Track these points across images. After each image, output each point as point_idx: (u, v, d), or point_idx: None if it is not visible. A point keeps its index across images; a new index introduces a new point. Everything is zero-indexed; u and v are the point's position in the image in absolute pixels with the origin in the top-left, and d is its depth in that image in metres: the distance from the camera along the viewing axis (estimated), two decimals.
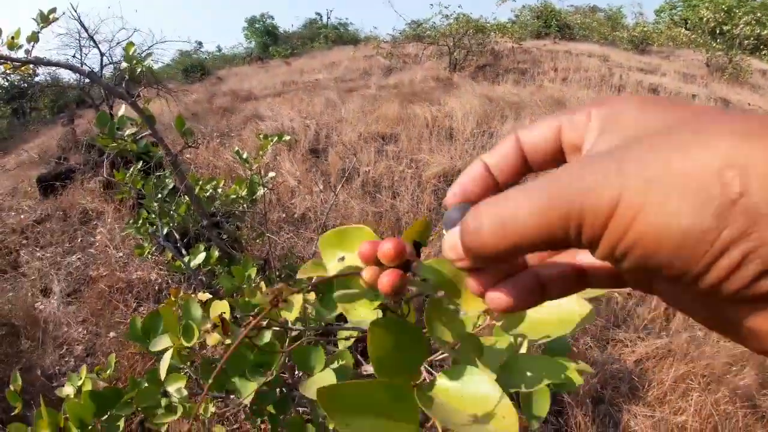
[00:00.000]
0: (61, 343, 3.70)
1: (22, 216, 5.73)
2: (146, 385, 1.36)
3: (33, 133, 10.27)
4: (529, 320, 0.62)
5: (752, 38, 17.22)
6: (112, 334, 3.49)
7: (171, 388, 1.31)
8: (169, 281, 4.03)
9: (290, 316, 0.92)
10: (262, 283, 1.59)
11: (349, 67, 13.05)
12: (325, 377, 1.02)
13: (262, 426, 2.61)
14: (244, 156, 2.81)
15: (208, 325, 0.66)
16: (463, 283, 0.51)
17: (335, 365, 1.07)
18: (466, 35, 12.03)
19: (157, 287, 3.99)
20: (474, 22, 12.21)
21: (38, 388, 3.26)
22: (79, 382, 1.47)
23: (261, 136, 2.72)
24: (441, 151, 6.36)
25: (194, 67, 17.35)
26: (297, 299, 0.88)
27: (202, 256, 2.42)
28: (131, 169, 3.01)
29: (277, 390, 1.55)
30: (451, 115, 7.47)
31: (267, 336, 1.13)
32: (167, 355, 1.16)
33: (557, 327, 0.60)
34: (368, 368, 1.29)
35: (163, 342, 1.20)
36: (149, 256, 2.77)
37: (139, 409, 1.33)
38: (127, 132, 2.32)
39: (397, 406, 0.47)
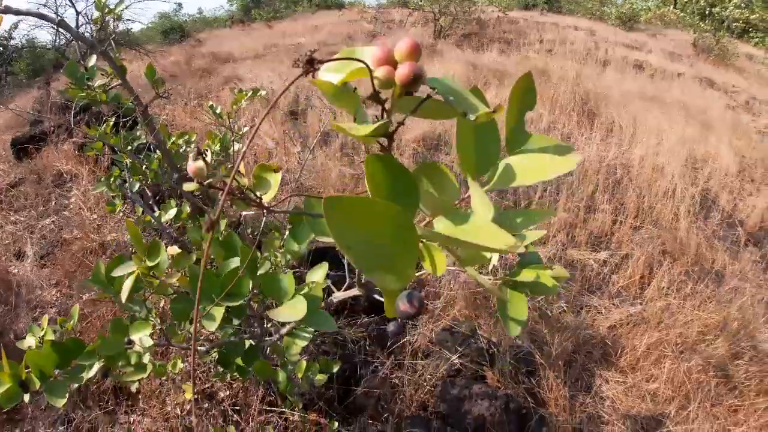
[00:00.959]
0: (35, 306, 3.65)
1: None
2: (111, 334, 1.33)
3: (8, 99, 10.01)
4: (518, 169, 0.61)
5: (741, 21, 17.29)
6: (86, 295, 3.44)
7: (135, 337, 1.28)
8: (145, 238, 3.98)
9: (267, 196, 0.88)
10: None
11: (332, 31, 12.88)
12: (296, 304, 1.00)
13: (233, 384, 2.62)
14: (218, 110, 2.76)
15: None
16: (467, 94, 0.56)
17: (305, 291, 1.04)
18: (452, 2, 11.87)
19: (131, 248, 3.94)
20: None
21: (11, 352, 3.22)
22: (41, 333, 1.44)
23: (236, 90, 2.68)
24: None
25: (174, 30, 17.06)
26: (275, 178, 0.85)
27: (173, 211, 2.39)
28: (103, 125, 2.96)
29: (246, 342, 1.54)
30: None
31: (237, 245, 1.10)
32: (131, 279, 1.14)
33: (540, 173, 0.61)
34: (339, 295, 1.27)
35: (127, 267, 1.17)
36: (121, 214, 2.72)
37: (102, 360, 1.31)
38: (98, 82, 2.26)
39: (398, 231, 0.47)
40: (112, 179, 2.83)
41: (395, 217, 0.46)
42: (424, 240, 0.50)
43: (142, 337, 1.29)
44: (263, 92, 2.82)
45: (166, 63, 9.68)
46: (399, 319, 0.47)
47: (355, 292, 0.97)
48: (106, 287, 1.32)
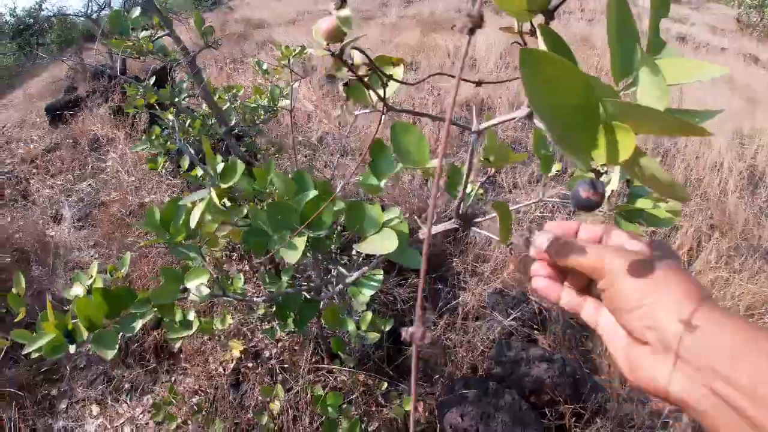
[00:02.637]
0: (73, 267, 3.65)
1: (31, 146, 5.64)
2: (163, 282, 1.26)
3: (41, 68, 10.06)
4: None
5: None
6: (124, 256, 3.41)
7: (192, 285, 1.21)
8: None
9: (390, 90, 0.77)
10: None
11: None
12: (386, 237, 0.92)
13: (279, 342, 2.57)
14: (264, 67, 2.70)
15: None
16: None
17: (393, 224, 0.96)
18: None
19: None
20: None
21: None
22: (89, 281, 1.37)
23: (282, 47, 2.60)
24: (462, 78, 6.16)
25: None
26: (395, 73, 0.77)
27: (220, 166, 2.33)
28: (145, 82, 2.91)
29: (303, 295, 1.47)
30: (474, 45, 7.27)
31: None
32: (203, 203, 1.06)
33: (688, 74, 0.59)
34: (425, 231, 1.18)
35: (199, 194, 1.10)
36: (163, 171, 2.67)
37: (155, 309, 1.24)
38: (143, 33, 2.20)
39: (587, 102, 0.42)
40: (153, 137, 2.79)
41: (587, 86, 0.41)
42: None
43: (198, 285, 1.22)
44: (309, 50, 2.75)
45: (195, 37, 9.60)
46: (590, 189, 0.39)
47: (451, 224, 0.89)
48: (159, 230, 1.25)
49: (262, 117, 2.72)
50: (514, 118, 0.64)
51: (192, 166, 2.50)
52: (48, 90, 7.84)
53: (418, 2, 11.68)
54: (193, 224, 1.09)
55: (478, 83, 0.78)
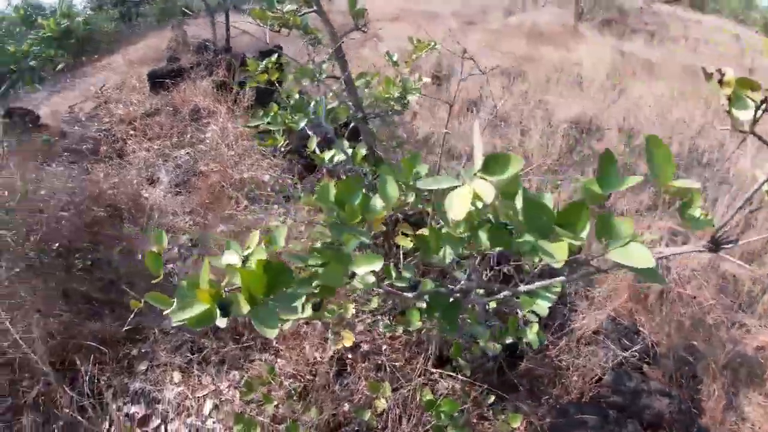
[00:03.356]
0: (166, 230, 3.66)
1: (130, 108, 5.75)
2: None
3: (138, 38, 10.32)
4: None
5: None
6: (221, 227, 3.42)
7: (361, 270, 1.13)
8: (283, 182, 3.93)
9: None
10: None
11: (465, 2, 12.52)
12: (635, 251, 0.82)
13: (394, 340, 2.49)
14: (394, 58, 2.65)
15: None
16: None
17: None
18: None
19: (269, 189, 3.89)
20: None
21: (139, 273, 3.24)
22: (247, 251, 1.27)
23: (414, 40, 2.56)
24: (571, 96, 6.05)
25: None
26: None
27: (348, 151, 2.29)
28: (265, 61, 2.89)
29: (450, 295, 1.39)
30: (580, 62, 7.07)
31: None
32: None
33: None
34: (670, 250, 1.07)
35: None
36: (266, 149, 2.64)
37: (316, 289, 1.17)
38: (287, 7, 2.16)
39: None
40: (272, 113, 2.77)
41: None
42: None
43: (367, 273, 1.14)
44: (438, 46, 2.70)
45: None
46: None
47: (695, 248, 0.79)
48: (331, 206, 1.18)
49: (394, 107, 2.66)
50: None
51: (321, 148, 2.45)
52: (149, 58, 8.00)
53: (519, 12, 11.49)
54: (380, 211, 1.02)
55: None
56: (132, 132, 5.25)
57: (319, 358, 2.39)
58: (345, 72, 2.30)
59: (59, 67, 8.47)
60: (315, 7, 2.15)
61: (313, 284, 1.11)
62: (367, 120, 2.53)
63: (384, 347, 2.43)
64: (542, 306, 1.17)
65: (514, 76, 6.75)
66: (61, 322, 2.73)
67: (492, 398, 2.18)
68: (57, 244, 3.30)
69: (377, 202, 1.19)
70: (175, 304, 1.06)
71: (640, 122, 5.79)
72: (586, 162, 4.84)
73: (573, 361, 2.63)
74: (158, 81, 6.07)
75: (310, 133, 2.42)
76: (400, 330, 2.02)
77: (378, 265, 1.12)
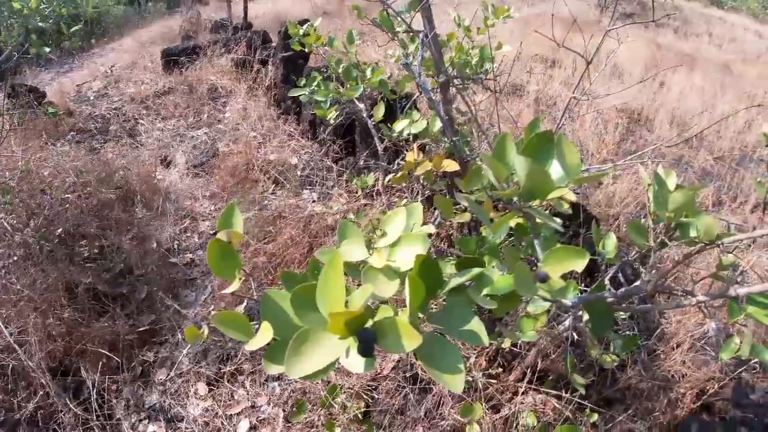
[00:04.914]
0: (183, 216, 3.25)
1: (142, 87, 5.35)
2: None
3: (147, 21, 9.94)
4: None
5: None
6: (247, 215, 2.99)
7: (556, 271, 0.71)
8: (314, 166, 3.51)
9: None
10: None
11: None
12: None
13: (483, 351, 2.06)
14: (466, 23, 2.32)
15: None
16: None
17: None
18: None
19: (299, 173, 3.46)
20: None
21: (154, 260, 2.83)
22: (384, 241, 0.83)
23: (489, 5, 2.25)
24: (612, 86, 5.80)
25: None
26: None
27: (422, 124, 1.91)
28: (306, 26, 2.59)
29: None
30: (615, 53, 6.70)
31: None
32: None
33: None
34: None
35: None
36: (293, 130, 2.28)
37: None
38: None
39: None
40: (315, 82, 2.44)
41: None
42: None
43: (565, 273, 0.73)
44: (516, 14, 2.41)
45: (320, 1, 9.31)
46: None
47: None
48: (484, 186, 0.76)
49: (479, 73, 2.29)
50: None
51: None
52: (161, 38, 7.64)
53: (538, 2, 11.10)
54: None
55: None
56: (144, 111, 4.84)
57: (385, 372, 1.95)
58: (431, 24, 1.87)
59: (71, 42, 8.09)
60: None
61: (486, 294, 0.68)
62: (450, 86, 2.11)
63: (472, 358, 1.98)
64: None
65: (551, 64, 6.38)
66: (62, 321, 2.30)
67: (595, 416, 1.83)
68: (60, 230, 2.90)
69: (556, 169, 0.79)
70: (264, 335, 0.64)
71: (689, 114, 5.44)
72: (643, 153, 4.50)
73: (678, 371, 2.21)
74: (172, 60, 5.66)
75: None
76: (507, 343, 1.60)
77: (582, 264, 0.70)
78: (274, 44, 5.17)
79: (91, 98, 5.32)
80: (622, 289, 1.13)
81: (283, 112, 4.20)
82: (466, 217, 1.80)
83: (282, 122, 4.09)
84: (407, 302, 0.61)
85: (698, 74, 6.91)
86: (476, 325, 0.64)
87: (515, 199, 0.81)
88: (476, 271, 0.73)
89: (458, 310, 0.66)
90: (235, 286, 0.76)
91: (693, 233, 1.00)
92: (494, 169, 0.74)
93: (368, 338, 0.58)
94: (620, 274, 1.86)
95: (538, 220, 0.87)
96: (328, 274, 0.59)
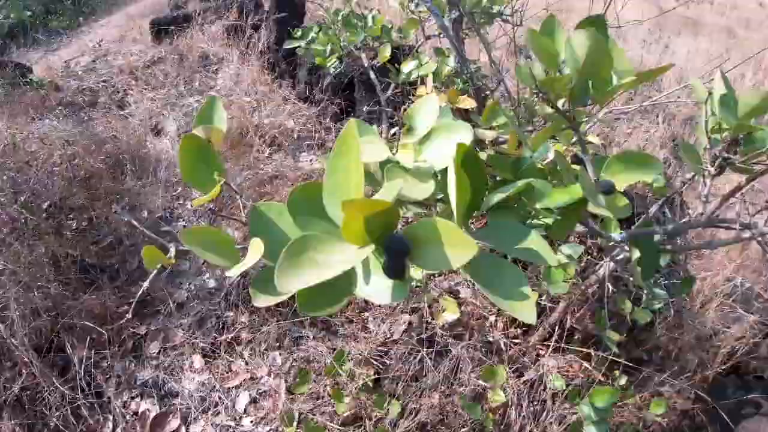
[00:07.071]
0: (175, 183, 3.11)
1: (131, 58, 5.17)
2: None
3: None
4: None
5: None
6: (240, 179, 2.85)
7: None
8: (312, 128, 3.37)
9: None
10: None
11: None
12: None
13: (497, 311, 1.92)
14: None
15: None
16: None
17: None
18: None
19: (296, 135, 3.31)
20: None
21: (143, 233, 2.69)
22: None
23: None
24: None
25: None
26: None
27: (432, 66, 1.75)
28: None
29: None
30: (616, 16, 6.57)
31: None
32: None
33: None
34: None
35: None
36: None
37: None
38: None
39: None
40: (315, 33, 2.29)
41: None
42: None
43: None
44: None
45: None
46: None
47: None
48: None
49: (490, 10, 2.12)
50: None
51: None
52: (150, 10, 7.43)
53: None
54: None
55: None
56: (133, 82, 4.67)
57: (392, 336, 1.80)
58: None
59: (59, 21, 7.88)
60: None
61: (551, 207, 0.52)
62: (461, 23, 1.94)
63: (492, 318, 1.83)
64: None
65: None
66: (47, 296, 2.15)
67: (624, 379, 1.73)
68: (48, 203, 2.76)
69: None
70: (253, 253, 0.48)
71: (696, 75, 5.32)
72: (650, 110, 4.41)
73: (706, 329, 2.08)
74: (162, 29, 5.48)
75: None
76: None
77: (651, 174, 0.57)
78: (266, 8, 5.00)
79: (79, 72, 5.14)
80: (671, 225, 0.99)
81: (278, 77, 4.05)
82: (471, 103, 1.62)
83: (277, 86, 3.94)
84: (452, 201, 0.45)
85: (703, 39, 6.78)
86: (536, 240, 0.48)
87: (563, 102, 0.66)
88: (524, 181, 0.58)
89: (509, 225, 0.51)
90: (214, 193, 0.61)
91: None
92: (542, 49, 0.58)
93: (399, 248, 0.41)
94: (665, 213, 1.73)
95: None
96: (341, 148, 0.42)
